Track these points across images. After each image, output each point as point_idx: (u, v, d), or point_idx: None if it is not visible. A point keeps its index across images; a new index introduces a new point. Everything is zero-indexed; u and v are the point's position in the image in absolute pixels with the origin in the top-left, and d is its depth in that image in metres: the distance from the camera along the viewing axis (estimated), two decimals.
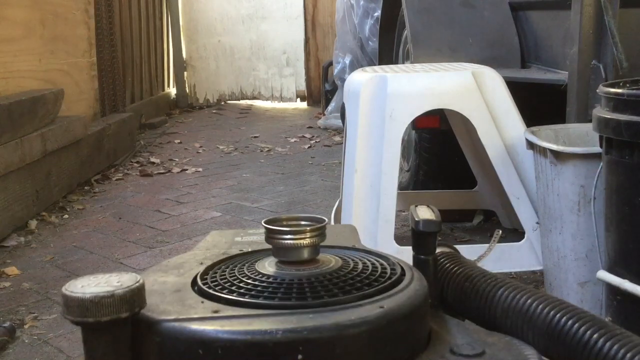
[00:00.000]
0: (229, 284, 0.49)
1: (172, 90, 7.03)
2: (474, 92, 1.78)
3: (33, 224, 2.71)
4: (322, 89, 5.86)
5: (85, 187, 3.39)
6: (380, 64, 3.22)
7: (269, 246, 0.52)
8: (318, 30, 6.80)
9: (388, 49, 3.14)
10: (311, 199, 3.10)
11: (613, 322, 0.50)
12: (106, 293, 0.40)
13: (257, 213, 2.87)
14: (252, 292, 0.47)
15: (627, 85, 1.29)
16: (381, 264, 0.52)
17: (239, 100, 7.29)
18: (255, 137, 4.97)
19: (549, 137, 1.70)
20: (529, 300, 0.49)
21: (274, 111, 6.65)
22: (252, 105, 7.10)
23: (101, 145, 3.72)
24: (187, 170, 3.84)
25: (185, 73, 7.15)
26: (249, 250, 0.58)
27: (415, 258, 0.56)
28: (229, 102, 7.27)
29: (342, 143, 2.24)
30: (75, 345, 1.68)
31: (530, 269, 1.86)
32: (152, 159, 4.13)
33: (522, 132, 1.75)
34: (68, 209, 2.99)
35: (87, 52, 4.18)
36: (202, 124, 5.86)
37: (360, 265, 0.51)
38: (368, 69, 2.03)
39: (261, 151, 4.41)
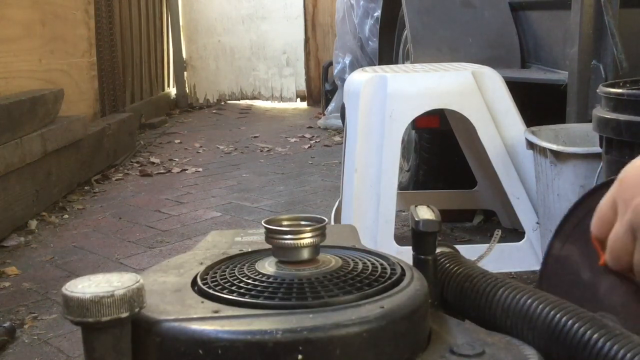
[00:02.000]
0: (229, 284, 0.49)
1: (172, 90, 7.03)
2: (474, 92, 1.78)
3: (33, 224, 2.71)
4: (322, 89, 5.86)
5: (85, 187, 3.39)
6: (380, 64, 3.22)
7: (269, 246, 0.52)
8: (318, 30, 6.80)
9: (388, 49, 3.14)
10: (311, 199, 3.10)
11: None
12: (106, 293, 0.40)
13: (257, 213, 2.87)
14: (252, 292, 0.47)
15: (627, 85, 1.29)
16: (381, 264, 0.52)
17: (239, 100, 7.30)
18: (255, 137, 4.98)
19: (549, 137, 1.70)
20: (529, 300, 0.49)
21: (274, 111, 6.65)
22: (252, 105, 7.11)
23: (101, 145, 3.72)
24: (187, 170, 3.84)
25: (185, 73, 7.15)
26: (249, 250, 0.58)
27: (415, 258, 0.56)
28: (229, 102, 7.27)
29: (342, 143, 2.24)
30: (75, 345, 1.68)
31: (530, 269, 1.86)
32: (152, 159, 4.13)
33: (522, 132, 1.75)
34: (68, 209, 2.99)
35: (87, 52, 4.18)
36: (202, 124, 5.87)
37: (360, 265, 0.51)
38: (368, 69, 2.03)
39: (261, 151, 4.41)
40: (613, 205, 0.55)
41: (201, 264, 0.54)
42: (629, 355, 0.41)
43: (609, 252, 0.55)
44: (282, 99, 7.18)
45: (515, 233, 2.16)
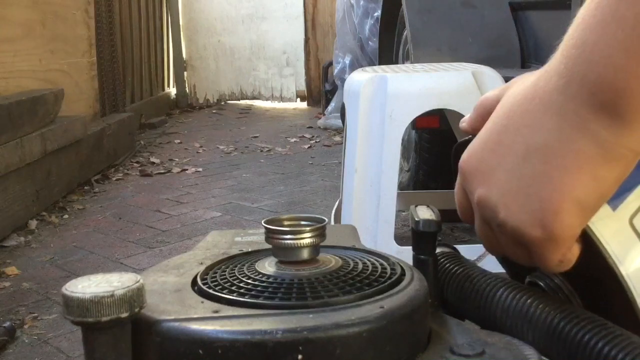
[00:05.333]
0: (229, 284, 0.49)
1: (172, 90, 7.03)
2: (474, 92, 1.78)
3: (33, 224, 2.71)
4: (322, 89, 5.86)
5: (85, 187, 3.39)
6: (380, 64, 3.22)
7: (269, 246, 0.52)
8: (318, 30, 6.80)
9: (388, 49, 3.14)
10: (311, 199, 3.10)
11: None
12: (106, 293, 0.40)
13: (257, 213, 2.88)
14: (252, 292, 0.47)
15: None
16: (381, 264, 0.52)
17: (239, 100, 7.30)
18: (255, 137, 4.98)
19: None
20: (529, 300, 0.49)
21: (274, 111, 6.65)
22: (252, 105, 7.11)
23: (101, 145, 3.72)
24: (187, 170, 3.84)
25: (185, 73, 7.15)
26: (249, 250, 0.58)
27: (415, 258, 0.56)
28: (229, 102, 7.27)
29: (342, 143, 2.24)
30: (75, 345, 1.68)
31: None
32: (152, 159, 4.13)
33: None
34: (68, 209, 2.99)
35: (87, 52, 4.18)
36: (202, 124, 5.87)
37: (360, 265, 0.51)
38: (368, 69, 2.03)
39: (261, 151, 4.41)
40: (465, 194, 0.52)
41: (201, 264, 0.54)
42: (628, 357, 0.41)
43: (483, 244, 0.52)
44: (282, 99, 7.18)
45: None
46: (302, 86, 7.04)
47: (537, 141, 0.44)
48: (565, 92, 0.43)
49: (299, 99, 7.10)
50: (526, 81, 0.47)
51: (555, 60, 0.44)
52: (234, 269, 0.52)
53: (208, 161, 4.12)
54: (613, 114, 0.41)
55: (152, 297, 0.45)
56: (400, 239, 1.91)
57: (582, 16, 0.42)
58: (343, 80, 4.16)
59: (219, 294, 0.46)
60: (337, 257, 0.53)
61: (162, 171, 3.81)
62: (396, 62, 3.04)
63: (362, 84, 1.80)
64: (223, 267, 0.53)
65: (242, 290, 0.47)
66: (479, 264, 0.58)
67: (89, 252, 2.41)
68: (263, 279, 0.48)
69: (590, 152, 0.42)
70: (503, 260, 0.59)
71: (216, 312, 0.44)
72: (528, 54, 2.33)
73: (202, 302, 0.46)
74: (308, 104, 6.91)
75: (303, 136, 4.93)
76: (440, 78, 1.80)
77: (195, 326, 0.42)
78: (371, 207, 1.77)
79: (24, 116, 2.76)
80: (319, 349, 0.41)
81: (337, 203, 2.34)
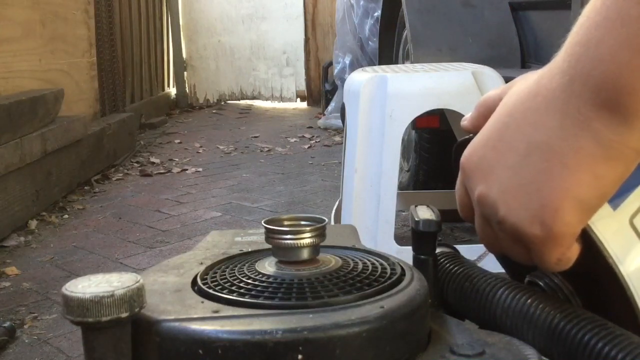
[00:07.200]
0: (229, 284, 0.49)
1: (172, 90, 7.03)
2: (474, 92, 1.77)
3: (33, 224, 2.71)
4: (322, 89, 5.86)
5: (85, 187, 3.39)
6: (380, 64, 3.22)
7: (269, 246, 0.52)
8: (318, 30, 6.80)
9: (388, 49, 3.14)
10: (311, 199, 3.10)
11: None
12: (106, 293, 0.40)
13: (257, 213, 2.88)
14: (252, 292, 0.47)
15: None
16: (381, 264, 0.52)
17: (239, 100, 7.30)
18: (255, 137, 4.98)
19: None
20: (529, 300, 0.49)
21: (274, 111, 6.65)
22: (252, 105, 7.11)
23: (101, 145, 3.72)
24: (187, 170, 3.84)
25: (185, 73, 7.15)
26: (249, 250, 0.58)
27: (415, 258, 0.56)
28: (229, 102, 7.27)
29: (342, 143, 2.24)
30: (75, 345, 1.68)
31: None
32: (152, 159, 4.13)
33: None
34: (68, 209, 2.99)
35: (87, 52, 4.18)
36: (202, 124, 5.87)
37: (360, 265, 0.51)
38: (368, 69, 2.03)
39: (261, 151, 4.41)
40: (466, 191, 0.52)
41: (201, 264, 0.54)
42: (628, 357, 0.41)
43: (483, 242, 0.52)
44: (282, 99, 7.18)
45: None
46: (302, 86, 7.03)
47: (539, 139, 0.44)
48: (568, 89, 0.43)
49: (299, 99, 7.10)
50: (529, 79, 0.47)
51: (559, 58, 0.44)
52: (234, 269, 0.52)
53: (208, 161, 4.12)
54: (615, 112, 0.41)
55: (152, 297, 0.45)
56: (400, 239, 1.91)
57: (587, 14, 0.42)
58: (343, 80, 4.16)
59: (219, 294, 0.46)
60: (337, 257, 0.52)
61: (162, 171, 3.81)
62: (396, 62, 3.04)
63: (362, 84, 1.80)
64: (223, 267, 0.53)
65: (242, 290, 0.47)
66: (479, 264, 0.58)
67: (89, 252, 2.41)
68: (263, 279, 0.48)
69: (591, 150, 0.42)
70: (502, 260, 0.59)
71: (216, 312, 0.44)
72: (528, 54, 2.33)
73: (202, 302, 0.46)
74: (308, 104, 6.91)
75: (303, 136, 4.93)
76: (440, 78, 1.80)
77: (195, 326, 0.42)
78: (371, 207, 1.77)
79: (24, 116, 2.76)
80: (319, 349, 0.41)
81: (337, 203, 2.34)
